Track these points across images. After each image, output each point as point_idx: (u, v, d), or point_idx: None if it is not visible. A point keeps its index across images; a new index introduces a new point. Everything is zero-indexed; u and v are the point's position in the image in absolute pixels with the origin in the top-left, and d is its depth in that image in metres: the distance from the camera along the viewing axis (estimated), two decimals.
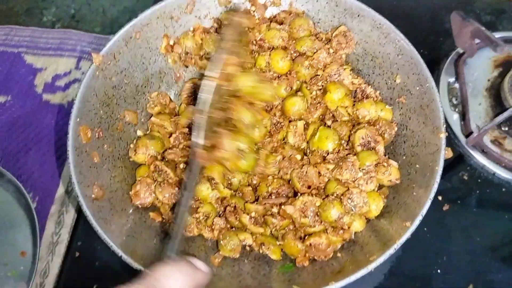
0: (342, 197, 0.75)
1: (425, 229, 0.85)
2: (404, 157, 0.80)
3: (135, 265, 0.66)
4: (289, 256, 0.77)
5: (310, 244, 0.75)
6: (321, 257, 0.75)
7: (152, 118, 0.88)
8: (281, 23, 0.90)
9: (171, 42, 0.89)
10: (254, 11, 0.92)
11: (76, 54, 1.09)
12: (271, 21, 0.91)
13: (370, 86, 0.87)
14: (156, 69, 0.90)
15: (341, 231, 0.76)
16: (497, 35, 1.00)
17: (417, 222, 0.69)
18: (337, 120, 0.83)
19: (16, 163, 0.96)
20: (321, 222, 0.76)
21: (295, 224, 0.77)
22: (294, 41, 0.89)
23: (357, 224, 0.77)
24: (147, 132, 0.88)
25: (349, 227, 0.76)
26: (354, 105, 0.85)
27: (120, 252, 0.66)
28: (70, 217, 0.91)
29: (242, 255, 0.78)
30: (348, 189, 0.76)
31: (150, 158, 0.82)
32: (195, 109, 0.72)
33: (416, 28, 1.06)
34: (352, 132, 0.82)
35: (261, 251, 0.78)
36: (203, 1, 0.89)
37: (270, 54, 0.86)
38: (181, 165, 0.81)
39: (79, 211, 0.91)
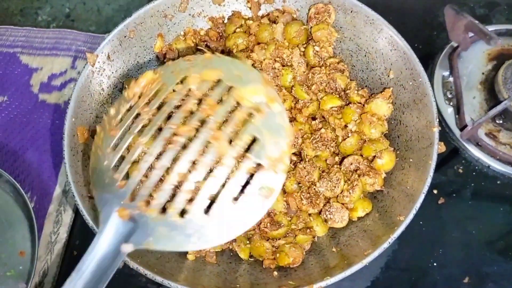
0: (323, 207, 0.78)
1: (420, 222, 0.85)
2: (398, 152, 0.81)
3: (132, 263, 0.66)
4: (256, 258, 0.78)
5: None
6: (290, 264, 0.75)
7: None
8: (273, 22, 0.89)
9: (164, 51, 0.89)
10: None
11: (71, 54, 1.09)
12: (262, 17, 0.91)
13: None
14: (151, 68, 0.89)
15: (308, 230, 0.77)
16: (491, 28, 1.00)
17: (411, 216, 0.69)
18: (328, 122, 0.83)
19: (14, 163, 0.96)
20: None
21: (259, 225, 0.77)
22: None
23: (318, 229, 0.78)
24: None
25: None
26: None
27: None
28: (68, 216, 0.91)
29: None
30: (329, 201, 0.78)
31: None
32: None
33: (409, 22, 1.06)
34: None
35: (231, 247, 0.79)
36: None
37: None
38: None
39: (76, 210, 0.91)
